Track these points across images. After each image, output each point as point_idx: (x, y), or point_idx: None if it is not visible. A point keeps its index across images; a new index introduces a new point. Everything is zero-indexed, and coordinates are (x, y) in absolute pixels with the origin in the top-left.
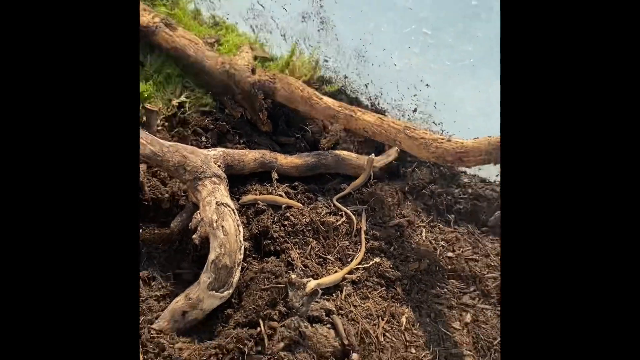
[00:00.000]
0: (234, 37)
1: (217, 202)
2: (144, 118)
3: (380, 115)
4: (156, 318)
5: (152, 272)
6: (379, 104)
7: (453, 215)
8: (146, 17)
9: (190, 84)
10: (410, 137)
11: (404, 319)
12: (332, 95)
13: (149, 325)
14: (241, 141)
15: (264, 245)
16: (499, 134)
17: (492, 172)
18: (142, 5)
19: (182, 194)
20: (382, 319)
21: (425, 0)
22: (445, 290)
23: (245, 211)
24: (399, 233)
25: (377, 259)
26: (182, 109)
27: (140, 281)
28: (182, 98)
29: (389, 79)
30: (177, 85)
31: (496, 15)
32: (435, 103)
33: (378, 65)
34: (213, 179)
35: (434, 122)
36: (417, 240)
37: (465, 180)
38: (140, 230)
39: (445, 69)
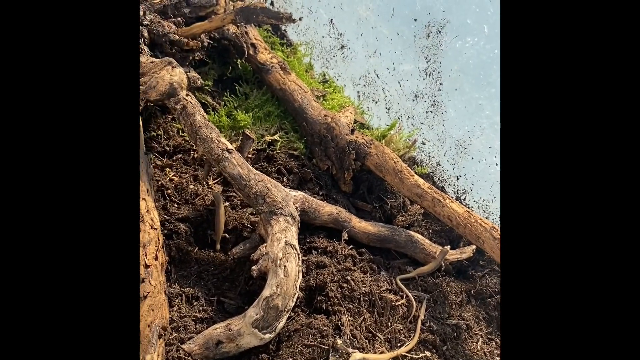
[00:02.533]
0: (339, 97)
1: (286, 241)
2: (239, 142)
3: (469, 209)
4: (189, 339)
5: (197, 292)
6: (465, 199)
7: None
8: (265, 55)
9: (287, 127)
10: (496, 239)
11: None
12: (420, 177)
13: (179, 344)
14: (320, 193)
15: (316, 301)
16: None
17: None
18: (264, 44)
19: (249, 225)
20: None
21: None
22: None
23: (308, 260)
24: (455, 334)
25: (428, 353)
26: (272, 147)
27: (184, 297)
28: (276, 137)
29: (484, 177)
30: (274, 124)
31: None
32: None
33: (478, 161)
34: (288, 217)
35: None
36: (472, 347)
37: None
38: (197, 248)
39: None
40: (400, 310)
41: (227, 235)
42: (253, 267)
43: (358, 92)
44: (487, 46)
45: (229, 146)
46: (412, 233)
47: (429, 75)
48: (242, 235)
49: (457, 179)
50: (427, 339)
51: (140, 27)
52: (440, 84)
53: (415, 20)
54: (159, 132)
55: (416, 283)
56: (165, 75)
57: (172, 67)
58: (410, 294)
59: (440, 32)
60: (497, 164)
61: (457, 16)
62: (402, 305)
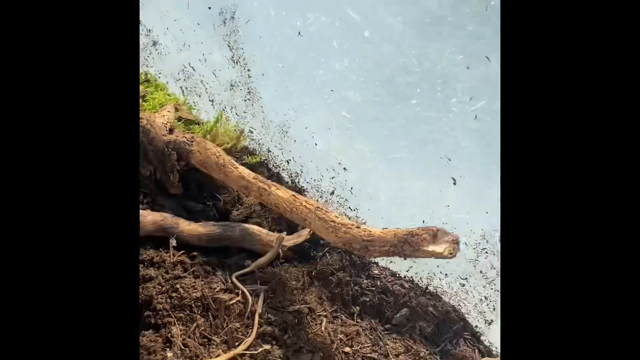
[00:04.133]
0: (161, 95)
1: None
2: None
3: (295, 193)
4: None
5: None
6: (299, 182)
7: (358, 307)
8: None
9: None
10: (320, 219)
11: None
12: (253, 167)
13: None
14: (145, 201)
15: (143, 317)
16: (408, 225)
17: (403, 267)
18: None
19: None
20: None
21: (349, 82)
22: None
23: None
24: (296, 320)
25: (268, 346)
26: None
27: None
28: None
29: (309, 158)
30: None
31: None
32: (352, 188)
33: (300, 143)
34: None
35: (349, 208)
36: (316, 330)
37: (376, 272)
38: None
39: (363, 154)
40: (236, 308)
41: None
42: None
43: (181, 87)
44: (280, 29)
45: None
46: (247, 226)
47: (237, 62)
48: None
49: (288, 162)
50: (266, 331)
51: None
52: (249, 70)
53: (210, 8)
54: None
55: (256, 277)
56: None
57: None
58: (245, 289)
59: (233, 17)
60: (316, 144)
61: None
62: (238, 303)
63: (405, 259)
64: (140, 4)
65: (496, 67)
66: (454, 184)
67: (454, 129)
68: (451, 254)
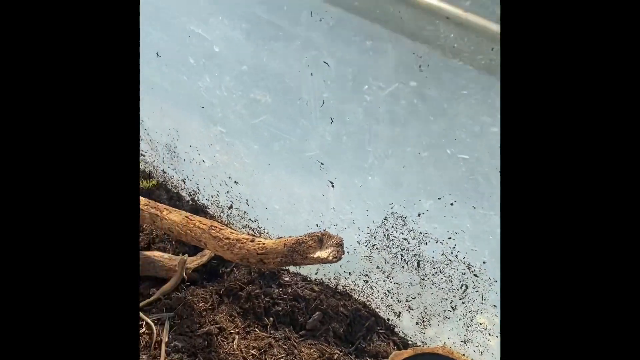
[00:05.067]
0: None
1: None
2: None
3: (189, 214)
4: None
5: None
6: (198, 199)
7: (272, 318)
8: None
9: None
10: (215, 238)
11: None
12: (150, 190)
13: None
14: None
15: None
16: (305, 231)
17: (312, 270)
18: None
19: None
20: None
21: (223, 95)
22: None
23: None
24: (206, 342)
25: None
26: None
27: None
28: None
29: (202, 175)
30: None
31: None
32: (247, 200)
33: (189, 162)
34: None
35: (250, 219)
36: (227, 349)
37: (286, 279)
38: None
39: (247, 166)
40: (142, 340)
41: None
42: None
43: None
44: (142, 52)
45: None
46: (148, 253)
47: None
48: None
49: (184, 181)
50: (174, 359)
51: None
52: None
53: None
54: None
55: (161, 304)
56: None
57: None
58: (148, 319)
59: None
60: (204, 160)
61: None
62: (144, 335)
63: (299, 267)
64: None
65: (333, 73)
66: (332, 186)
67: (316, 128)
68: (335, 257)
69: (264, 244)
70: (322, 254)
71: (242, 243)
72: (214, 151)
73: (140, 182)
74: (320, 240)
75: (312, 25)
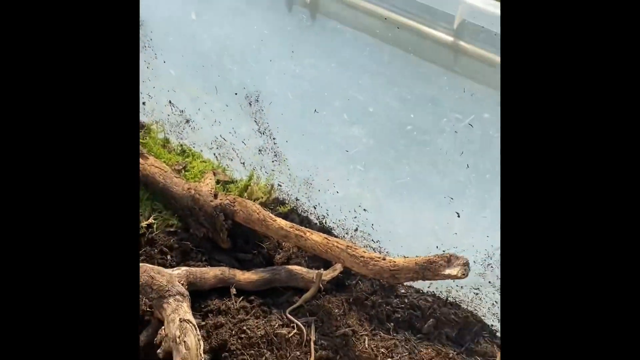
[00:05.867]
0: (199, 163)
1: (180, 319)
2: None
3: (327, 236)
4: None
5: None
6: (326, 223)
7: (392, 324)
8: None
9: (159, 206)
10: (352, 256)
11: None
12: (285, 214)
13: None
14: (203, 259)
15: (222, 358)
16: (425, 252)
17: (425, 284)
18: None
19: (148, 309)
20: None
21: (361, 141)
22: None
23: (206, 325)
24: (344, 342)
25: None
26: (150, 230)
27: None
28: (151, 220)
29: (333, 203)
30: (147, 207)
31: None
32: (372, 224)
33: (323, 192)
34: (177, 296)
35: (372, 240)
36: (361, 348)
37: (402, 291)
38: None
39: (378, 196)
40: (294, 339)
41: None
42: (158, 351)
43: (214, 153)
44: (297, 106)
45: None
46: (290, 267)
47: (263, 133)
48: (144, 320)
49: (315, 207)
50: (322, 355)
51: None
52: (274, 138)
53: (236, 94)
54: None
55: (305, 310)
56: None
57: None
58: (299, 322)
59: (257, 100)
60: (337, 191)
61: (263, 88)
62: (295, 335)
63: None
64: (173, 89)
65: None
66: (458, 216)
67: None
68: (464, 274)
69: (394, 262)
70: (452, 271)
71: (375, 260)
72: (349, 185)
73: (277, 207)
74: (449, 260)
75: None
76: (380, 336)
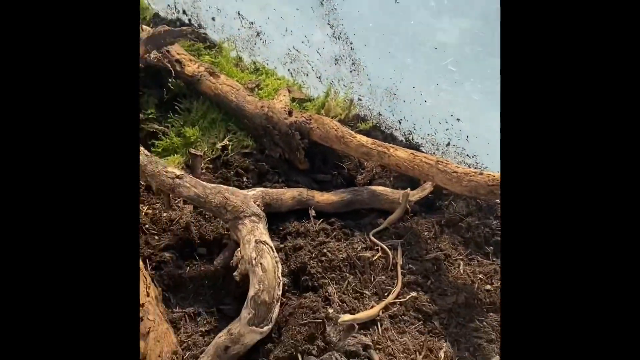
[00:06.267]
0: (272, 81)
1: (256, 240)
2: (189, 162)
3: (413, 151)
4: (201, 353)
5: (197, 308)
6: (413, 139)
7: (491, 247)
8: (191, 66)
9: (233, 127)
10: (443, 172)
11: (442, 354)
12: (367, 132)
13: None
14: (280, 180)
15: (302, 281)
16: None
17: None
18: (188, 56)
19: (226, 232)
20: (420, 354)
21: (450, 39)
22: (484, 323)
23: (284, 247)
24: (435, 267)
25: (414, 293)
26: (225, 152)
27: (187, 316)
28: (225, 141)
29: (420, 114)
30: (221, 129)
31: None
32: (467, 136)
33: (409, 103)
34: (252, 217)
35: (467, 155)
36: (455, 273)
37: None
38: (187, 268)
39: (474, 102)
40: (379, 263)
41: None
42: (235, 273)
43: (289, 69)
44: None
45: (177, 172)
46: (373, 187)
47: (338, 38)
48: (222, 243)
49: (399, 122)
50: (410, 280)
51: None
52: (351, 43)
53: None
54: None
55: (390, 232)
56: None
57: None
58: (384, 245)
59: None
60: (425, 100)
61: None
62: (380, 258)
63: None
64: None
65: None
66: None
67: None
68: None
69: (494, 176)
70: None
71: (470, 176)
72: (438, 90)
73: (358, 124)
74: None
75: None
76: (478, 261)
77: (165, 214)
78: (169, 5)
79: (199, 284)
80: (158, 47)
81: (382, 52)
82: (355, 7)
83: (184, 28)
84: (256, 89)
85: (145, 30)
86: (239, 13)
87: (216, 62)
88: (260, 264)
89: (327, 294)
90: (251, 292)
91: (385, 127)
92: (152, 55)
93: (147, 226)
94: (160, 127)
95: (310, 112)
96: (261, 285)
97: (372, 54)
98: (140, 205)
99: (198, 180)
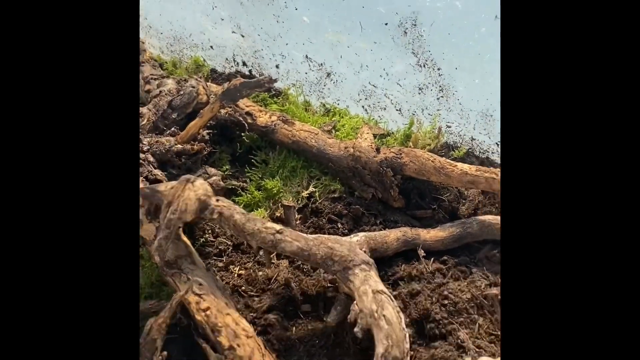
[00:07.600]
0: (347, 120)
1: (373, 291)
2: (282, 215)
3: None
4: None
5: None
6: None
7: None
8: (263, 117)
9: (316, 173)
10: None
11: None
12: (461, 159)
13: None
14: (377, 222)
15: (427, 330)
16: None
17: None
18: (257, 107)
19: (329, 284)
20: None
21: None
22: None
23: (399, 294)
24: None
25: None
26: (312, 199)
27: None
28: (311, 188)
29: None
30: (303, 176)
31: None
32: None
33: None
34: (362, 266)
35: None
36: None
37: None
38: (294, 328)
39: None
40: None
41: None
42: (355, 329)
43: (363, 106)
44: (463, 21)
45: (277, 228)
46: (482, 217)
47: (423, 66)
48: (327, 296)
49: (497, 145)
50: None
51: (143, 154)
52: (439, 69)
53: (386, 24)
54: (206, 236)
55: None
56: (190, 194)
57: (192, 182)
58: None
59: (415, 25)
60: None
61: (422, 6)
62: None
63: None
64: (309, 40)
65: None
66: None
67: None
68: None
69: None
70: None
71: None
72: None
73: (451, 153)
74: None
75: None
76: None
77: (261, 273)
78: (227, 59)
79: (309, 344)
80: (233, 100)
81: (475, 75)
82: (446, 29)
83: (261, 78)
84: (333, 131)
85: (213, 87)
86: (306, 56)
87: (285, 109)
88: (384, 316)
89: (459, 340)
90: (380, 349)
91: (480, 152)
92: (221, 111)
93: (243, 288)
94: (239, 183)
95: (398, 147)
96: (389, 340)
97: (466, 78)
98: (231, 265)
99: (299, 233)
